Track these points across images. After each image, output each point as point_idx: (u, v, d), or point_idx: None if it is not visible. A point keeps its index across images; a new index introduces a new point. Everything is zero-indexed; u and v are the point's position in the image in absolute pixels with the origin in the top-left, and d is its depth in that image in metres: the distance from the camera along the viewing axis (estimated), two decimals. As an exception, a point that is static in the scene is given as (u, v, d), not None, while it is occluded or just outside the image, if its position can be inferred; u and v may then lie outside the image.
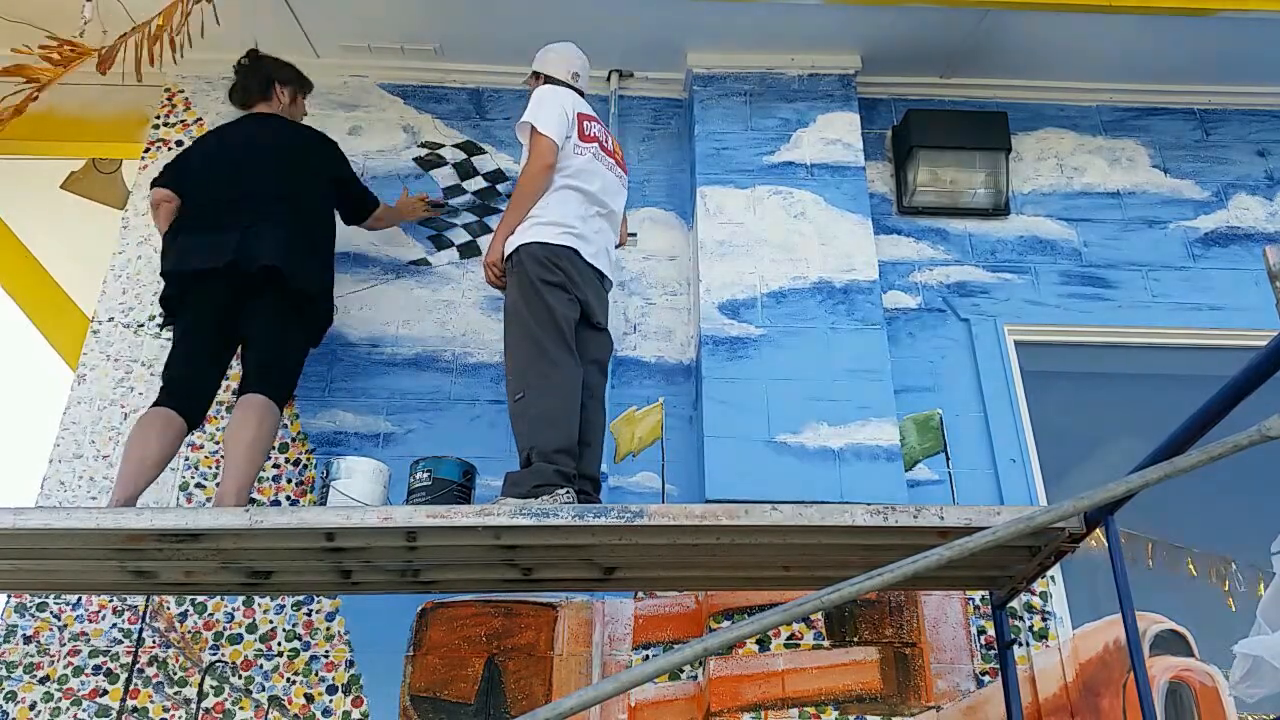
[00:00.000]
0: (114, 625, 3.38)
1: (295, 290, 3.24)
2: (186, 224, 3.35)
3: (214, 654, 3.34)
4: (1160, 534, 3.81)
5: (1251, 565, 3.70)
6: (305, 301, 3.30)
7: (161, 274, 3.32)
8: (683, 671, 3.30)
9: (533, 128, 3.24)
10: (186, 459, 3.67)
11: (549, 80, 3.46)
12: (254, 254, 3.19)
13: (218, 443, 3.70)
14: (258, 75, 3.72)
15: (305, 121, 3.84)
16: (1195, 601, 3.72)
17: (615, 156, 3.49)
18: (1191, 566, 3.79)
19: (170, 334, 3.28)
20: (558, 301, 3.11)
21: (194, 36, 3.73)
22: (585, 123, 3.37)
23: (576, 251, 3.19)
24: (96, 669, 3.30)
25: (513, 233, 3.19)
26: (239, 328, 3.25)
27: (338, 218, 3.70)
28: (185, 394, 3.16)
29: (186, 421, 3.11)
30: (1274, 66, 4.44)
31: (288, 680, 3.31)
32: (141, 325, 3.91)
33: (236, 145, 3.55)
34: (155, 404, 3.13)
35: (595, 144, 3.37)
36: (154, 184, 3.51)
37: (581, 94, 3.48)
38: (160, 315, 3.33)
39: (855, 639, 3.30)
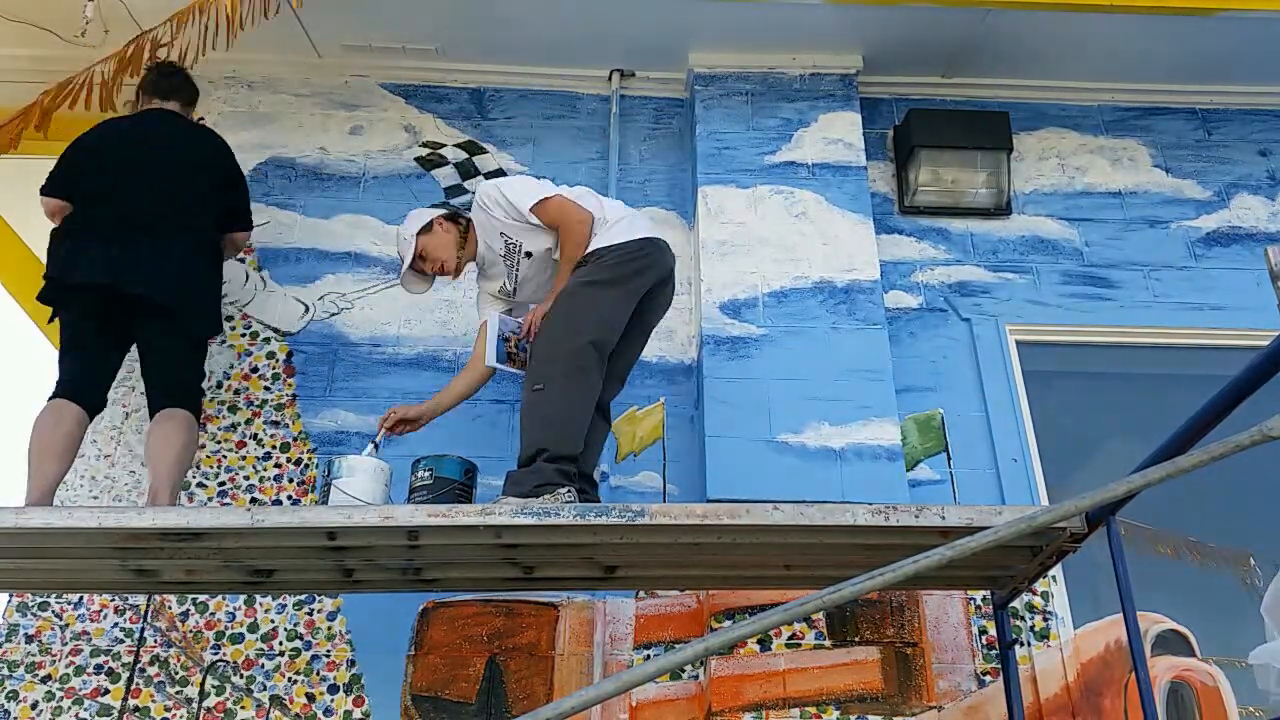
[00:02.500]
0: (115, 624, 3.38)
1: (195, 334, 3.31)
2: (73, 228, 3.27)
3: (215, 653, 3.34)
4: (1173, 528, 3.80)
5: (1273, 562, 3.70)
6: (206, 337, 3.38)
7: (44, 276, 3.25)
8: (684, 671, 3.29)
9: (538, 201, 3.12)
10: (188, 458, 3.67)
11: (445, 219, 3.32)
12: (137, 277, 3.15)
13: (219, 442, 3.71)
14: (190, 87, 3.66)
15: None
16: (1200, 598, 3.72)
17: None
18: (1200, 560, 3.79)
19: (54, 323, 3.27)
20: (616, 313, 3.01)
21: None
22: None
23: (660, 242, 3.15)
24: (98, 668, 3.31)
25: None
26: (129, 329, 3.25)
27: None
28: (79, 386, 3.15)
29: (85, 409, 3.13)
30: (1276, 66, 4.44)
31: (289, 680, 3.31)
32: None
33: (130, 145, 3.41)
34: (50, 397, 3.13)
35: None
36: (43, 191, 3.35)
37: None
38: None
39: (856, 639, 3.30)
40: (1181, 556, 3.79)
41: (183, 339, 3.28)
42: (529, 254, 3.22)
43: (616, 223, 3.14)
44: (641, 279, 3.07)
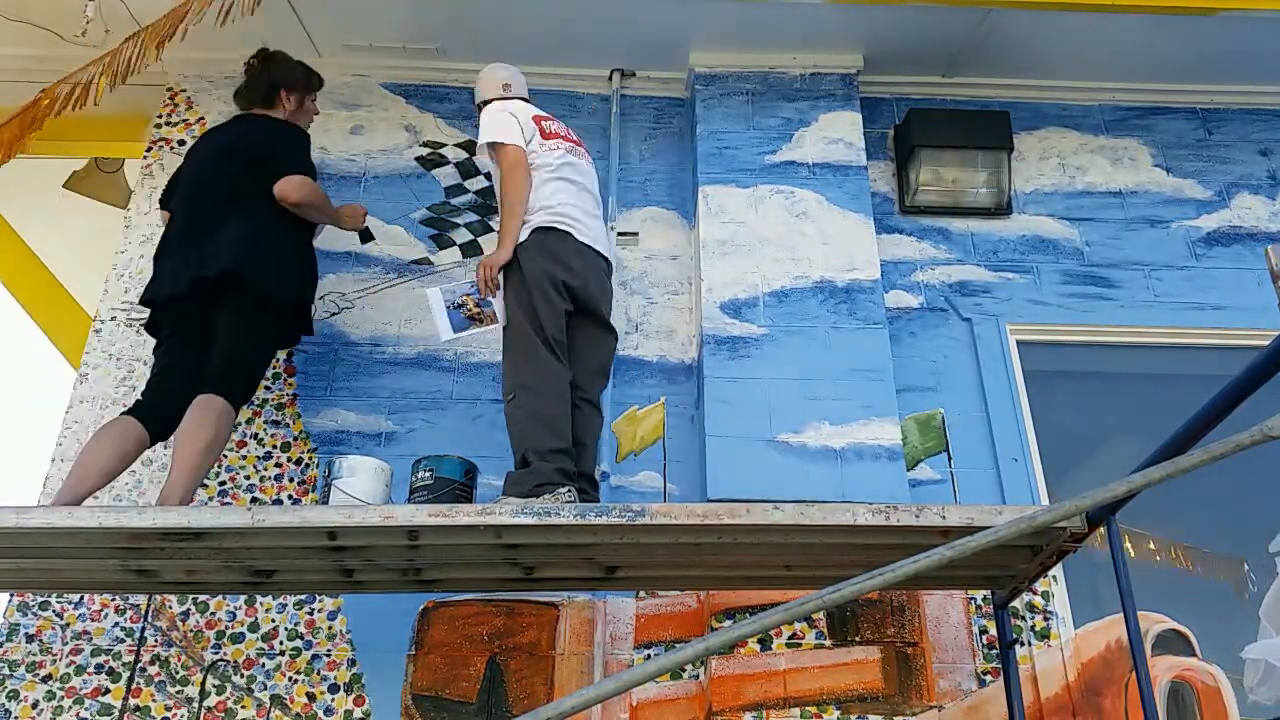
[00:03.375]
0: (116, 624, 3.39)
1: (257, 293, 3.19)
2: (162, 247, 3.36)
3: (216, 653, 3.34)
4: (1169, 534, 3.81)
5: (1264, 565, 3.69)
6: (267, 302, 3.23)
7: (142, 299, 3.32)
8: (684, 671, 3.29)
9: (491, 144, 3.33)
10: (188, 458, 3.67)
11: (486, 103, 3.55)
12: (211, 262, 3.16)
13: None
14: (261, 82, 3.60)
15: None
16: (1199, 601, 3.72)
17: (581, 145, 3.58)
18: (1196, 566, 3.79)
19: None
20: (549, 306, 3.14)
21: (196, 34, 3.72)
22: (542, 122, 3.46)
23: (571, 234, 3.25)
24: (99, 668, 3.31)
25: (517, 238, 3.20)
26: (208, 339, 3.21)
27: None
28: (153, 408, 3.10)
29: (151, 434, 3.07)
30: (1276, 66, 4.44)
31: (290, 679, 3.31)
32: (144, 324, 3.91)
33: (205, 154, 3.50)
34: (125, 411, 3.11)
35: (560, 139, 3.45)
36: (161, 204, 3.57)
37: (525, 100, 3.56)
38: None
39: (857, 638, 3.30)
40: (1176, 562, 3.79)
41: (248, 319, 3.19)
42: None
43: (536, 202, 3.26)
44: (550, 284, 3.17)
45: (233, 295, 3.17)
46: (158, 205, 3.59)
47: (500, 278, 3.20)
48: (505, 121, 3.36)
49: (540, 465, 2.90)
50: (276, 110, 3.58)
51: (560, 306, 3.17)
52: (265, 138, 3.46)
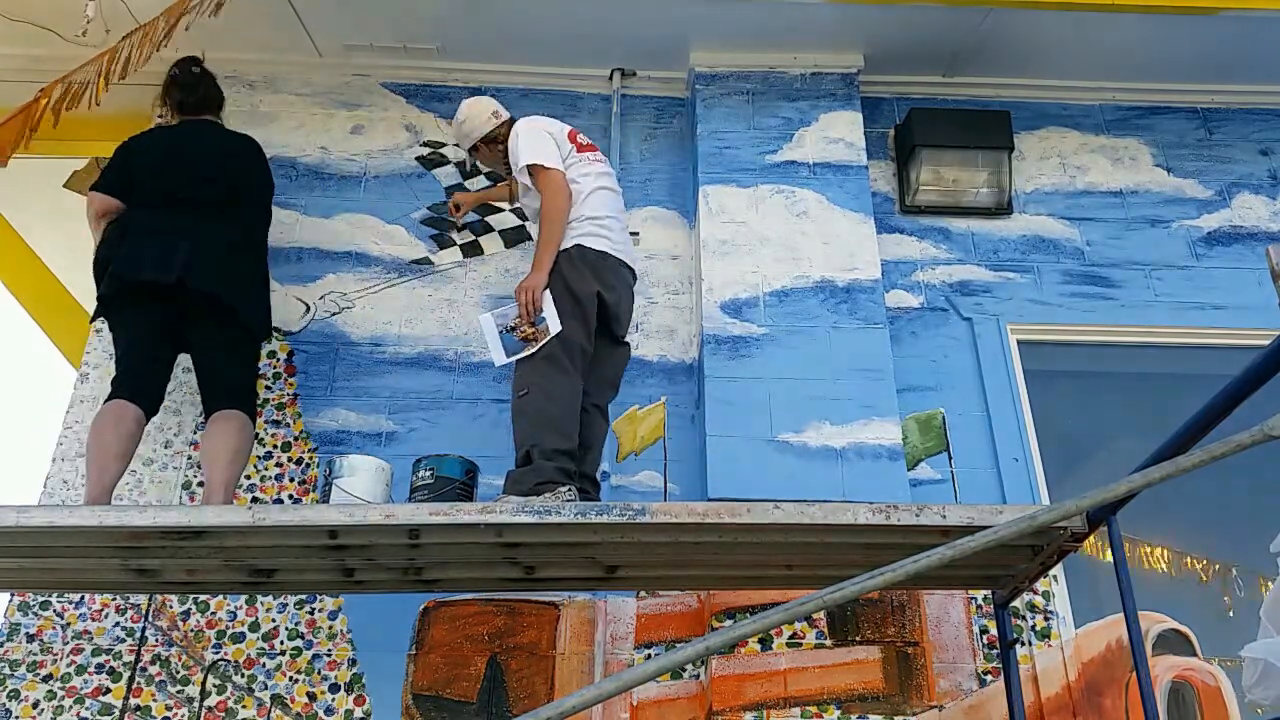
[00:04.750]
0: (117, 624, 3.39)
1: (248, 325, 3.32)
2: (135, 225, 3.32)
3: (216, 652, 3.34)
4: (1161, 537, 3.81)
5: (1252, 570, 3.70)
6: (254, 333, 3.38)
7: (108, 273, 3.25)
8: (685, 670, 3.30)
9: (531, 167, 3.24)
10: (189, 458, 3.67)
11: (486, 141, 3.52)
12: (202, 277, 3.20)
13: (220, 441, 3.70)
14: (213, 86, 3.70)
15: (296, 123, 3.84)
16: (1196, 604, 3.72)
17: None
18: (1195, 569, 3.80)
19: (103, 324, 3.34)
20: (582, 320, 3.13)
21: (196, 33, 3.72)
22: (577, 136, 3.44)
23: (609, 252, 3.24)
24: (99, 668, 3.31)
25: (553, 263, 3.17)
26: (183, 331, 3.27)
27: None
28: (139, 387, 3.17)
29: (144, 410, 3.15)
30: (1277, 65, 4.44)
31: (290, 679, 3.31)
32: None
33: (184, 148, 3.52)
34: (109, 398, 3.14)
35: (594, 150, 3.45)
36: (94, 188, 3.43)
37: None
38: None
39: (857, 638, 3.30)
40: (1168, 567, 3.79)
41: (236, 338, 3.30)
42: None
43: (583, 210, 3.24)
44: (583, 302, 3.15)
45: (217, 318, 3.24)
46: (92, 188, 3.46)
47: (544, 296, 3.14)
48: (543, 143, 3.30)
49: (542, 464, 2.90)
50: (216, 116, 3.70)
51: (592, 322, 3.16)
52: (258, 161, 3.59)
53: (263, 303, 3.45)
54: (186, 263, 3.19)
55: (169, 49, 3.68)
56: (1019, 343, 4.02)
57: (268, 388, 3.81)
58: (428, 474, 3.01)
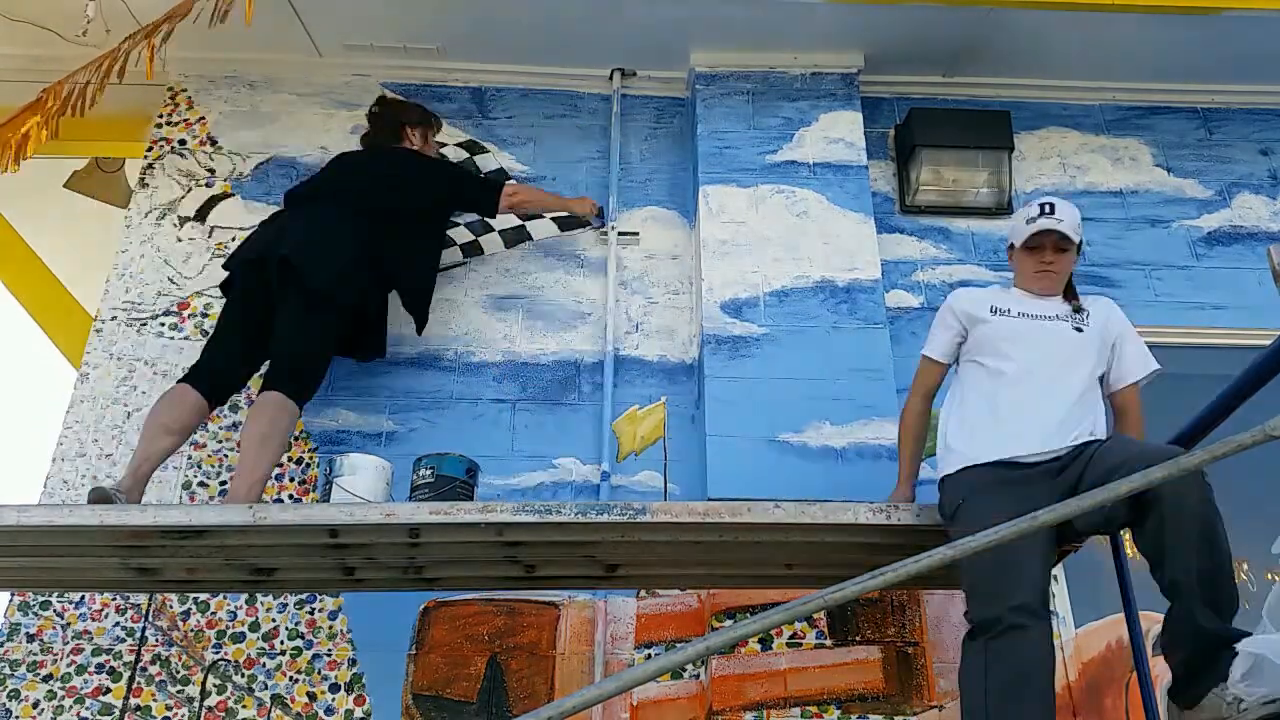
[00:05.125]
0: (117, 624, 3.38)
1: (312, 288, 3.24)
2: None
3: (217, 652, 3.34)
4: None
5: (1265, 566, 3.69)
6: (316, 297, 3.25)
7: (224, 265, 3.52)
8: (685, 670, 3.29)
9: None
10: (189, 457, 3.66)
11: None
12: (280, 245, 3.27)
13: (220, 441, 3.70)
14: (387, 122, 3.87)
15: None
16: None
17: None
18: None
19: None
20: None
21: (197, 33, 3.72)
22: None
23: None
24: (99, 667, 3.31)
25: None
26: (271, 316, 3.30)
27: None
28: (207, 373, 3.22)
29: (206, 398, 3.17)
30: (1277, 66, 4.43)
31: (290, 679, 3.31)
32: (144, 324, 3.91)
33: (332, 160, 3.83)
34: (179, 380, 3.21)
35: None
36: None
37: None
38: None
39: (858, 638, 3.30)
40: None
41: (301, 305, 3.24)
42: None
43: None
44: None
45: (292, 286, 3.24)
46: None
47: None
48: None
49: None
50: (411, 141, 3.86)
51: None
52: (401, 166, 3.74)
53: (339, 268, 3.30)
54: (268, 238, 3.31)
55: (170, 49, 3.68)
56: (1019, 343, 4.01)
57: (268, 387, 3.81)
58: (428, 473, 3.00)
